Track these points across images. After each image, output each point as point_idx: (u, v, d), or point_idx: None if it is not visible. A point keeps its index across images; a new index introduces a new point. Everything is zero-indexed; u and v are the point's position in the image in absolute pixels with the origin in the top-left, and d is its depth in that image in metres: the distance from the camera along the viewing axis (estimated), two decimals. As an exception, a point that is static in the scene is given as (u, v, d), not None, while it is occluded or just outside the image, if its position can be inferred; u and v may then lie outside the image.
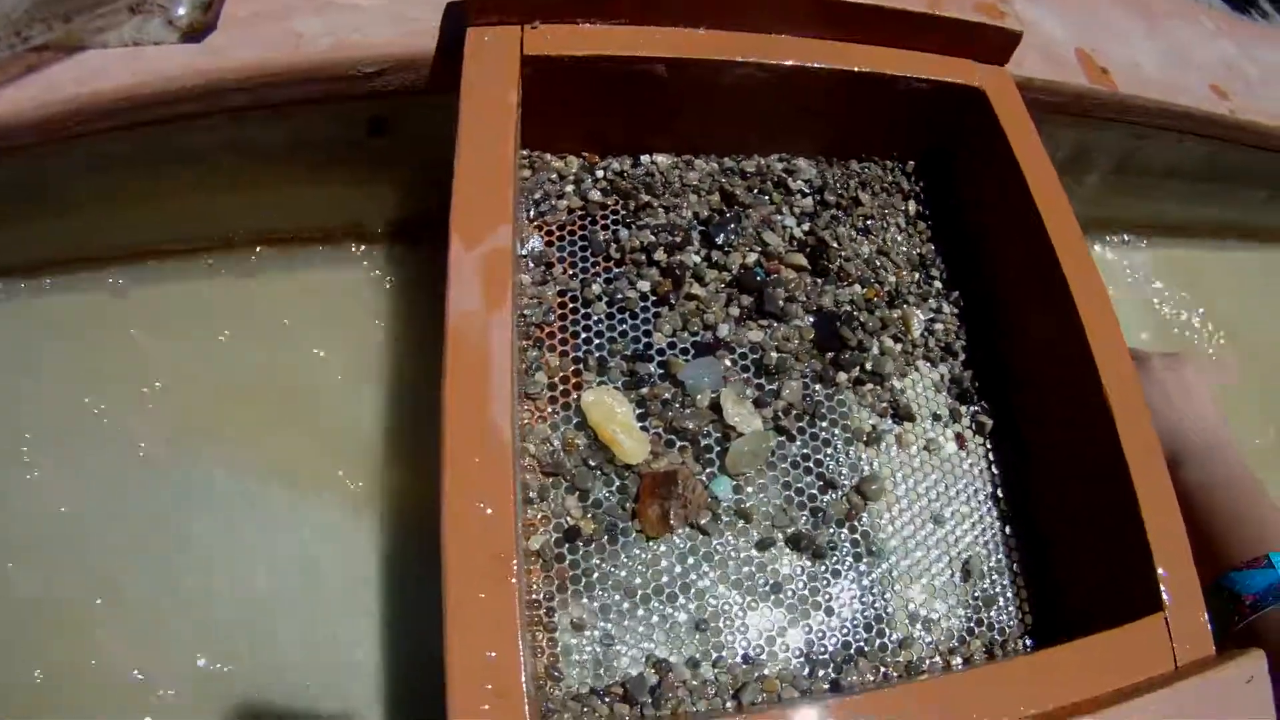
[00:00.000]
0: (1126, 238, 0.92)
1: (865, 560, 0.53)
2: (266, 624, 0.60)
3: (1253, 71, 0.80)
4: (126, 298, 0.68)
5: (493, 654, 0.40)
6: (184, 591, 0.60)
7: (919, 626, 0.53)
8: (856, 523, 0.54)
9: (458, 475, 0.42)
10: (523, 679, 0.39)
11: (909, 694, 0.44)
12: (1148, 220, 0.92)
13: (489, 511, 0.42)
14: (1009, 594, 0.56)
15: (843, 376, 0.56)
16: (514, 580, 0.41)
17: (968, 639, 0.54)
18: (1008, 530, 0.57)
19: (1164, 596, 0.48)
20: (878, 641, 0.52)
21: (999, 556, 0.56)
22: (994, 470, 0.58)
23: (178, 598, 0.60)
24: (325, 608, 0.62)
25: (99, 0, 0.56)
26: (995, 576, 0.56)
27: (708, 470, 0.52)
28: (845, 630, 0.52)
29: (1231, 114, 0.76)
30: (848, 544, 0.53)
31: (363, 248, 0.70)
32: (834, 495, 0.54)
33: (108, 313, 0.67)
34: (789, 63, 0.55)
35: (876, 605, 0.53)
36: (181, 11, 0.58)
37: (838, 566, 0.53)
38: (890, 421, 0.56)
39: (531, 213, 0.58)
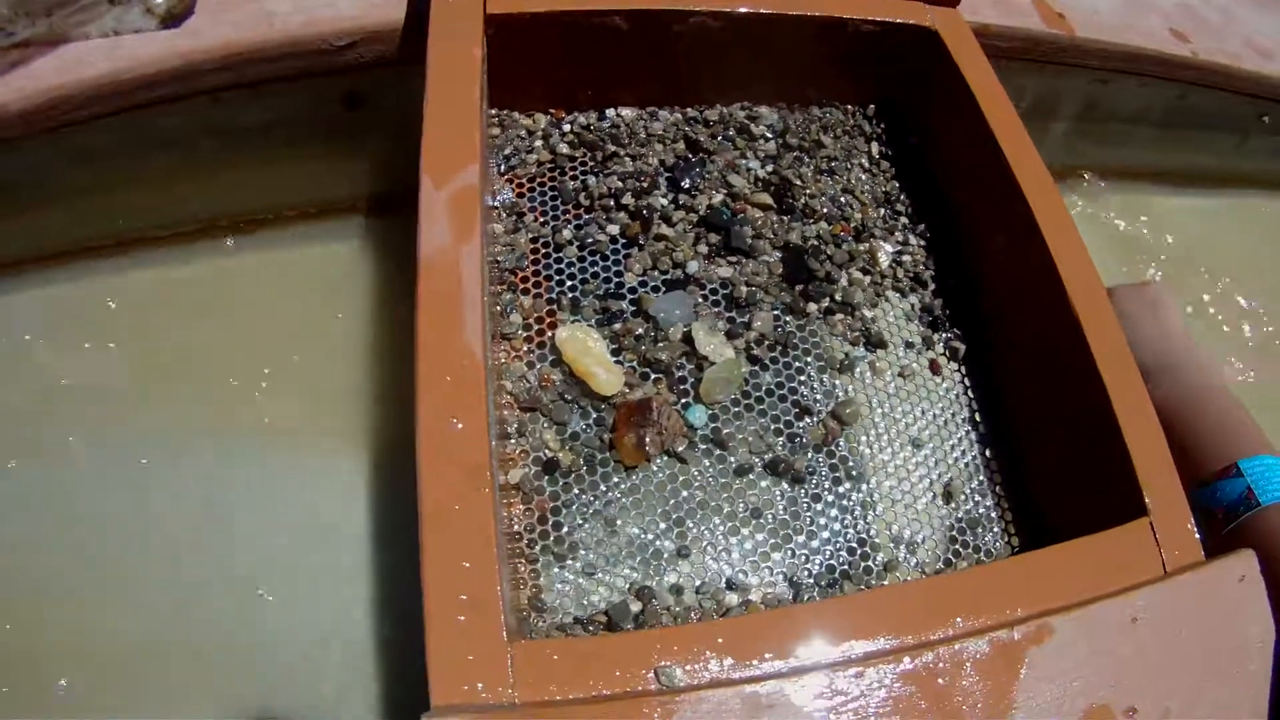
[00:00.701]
0: (1102, 183, 0.94)
1: (845, 484, 0.55)
2: (254, 597, 0.62)
3: (1213, 16, 0.83)
4: (117, 285, 0.70)
5: (468, 564, 0.41)
6: (173, 564, 0.62)
7: (903, 549, 0.54)
8: (834, 448, 0.55)
9: (431, 394, 0.44)
10: (498, 588, 0.41)
11: (893, 595, 0.45)
12: (1119, 167, 0.94)
13: (461, 427, 0.43)
14: (993, 514, 0.57)
15: (813, 307, 0.58)
16: (487, 491, 0.42)
17: (954, 560, 0.55)
18: (988, 452, 0.58)
19: (1147, 502, 0.49)
20: (862, 564, 0.53)
21: (981, 478, 0.57)
22: (971, 394, 0.59)
23: (165, 570, 0.61)
24: (315, 582, 0.63)
25: (80, -9, 0.59)
26: (978, 498, 0.57)
27: (683, 400, 0.54)
28: (829, 554, 0.53)
29: (1194, 55, 0.78)
30: (826, 468, 0.55)
31: (346, 221, 0.73)
32: (810, 421, 0.55)
33: (99, 301, 0.70)
34: (742, 10, 0.58)
35: (859, 528, 0.54)
36: (159, -2, 0.61)
37: (817, 491, 0.54)
38: (863, 349, 0.58)
39: (503, 167, 0.60)
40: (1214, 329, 0.92)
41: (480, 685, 0.39)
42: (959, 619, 0.44)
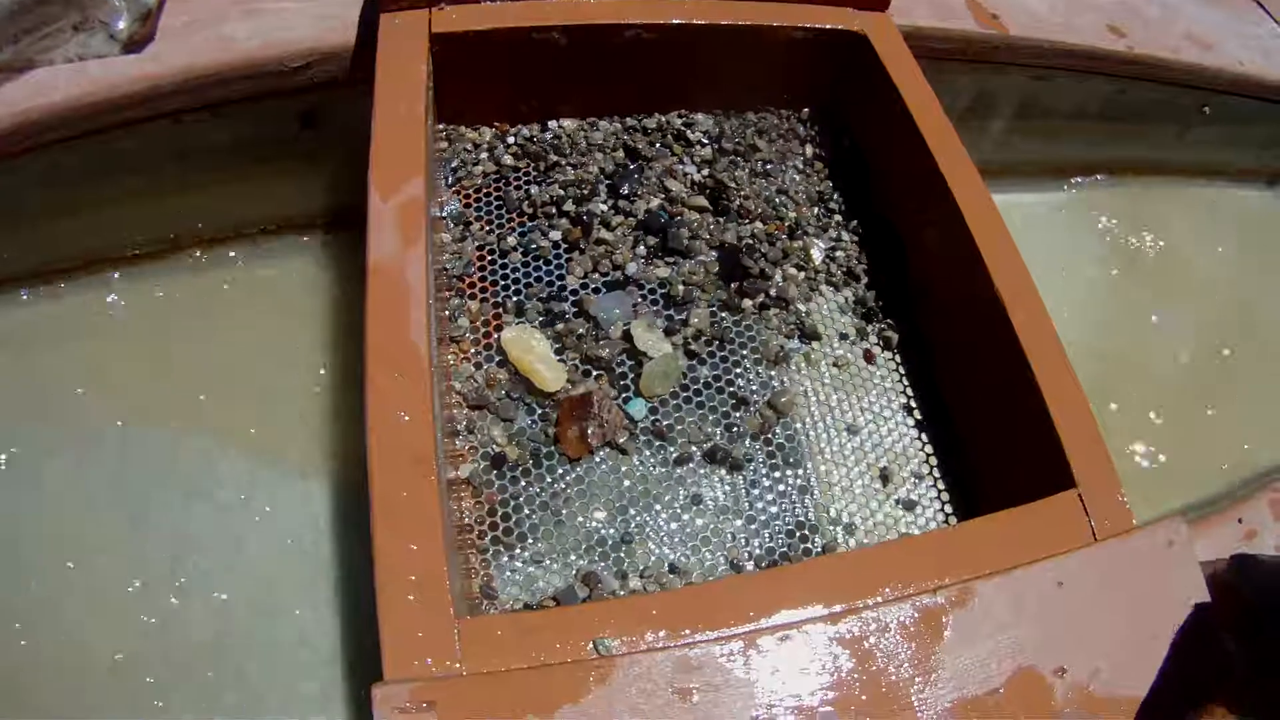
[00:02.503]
0: (1074, 180, 1.00)
1: (782, 470, 0.60)
2: (217, 601, 0.67)
3: (1153, 11, 0.89)
4: (83, 304, 0.76)
5: (415, 546, 0.47)
6: (147, 568, 0.67)
7: (841, 530, 0.60)
8: (771, 436, 0.61)
9: (379, 391, 0.50)
10: (445, 568, 0.46)
11: (822, 567, 0.50)
12: (1063, 162, 1.00)
13: (407, 419, 0.49)
14: (930, 495, 0.62)
15: (748, 303, 0.64)
16: (433, 479, 0.48)
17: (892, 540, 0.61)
18: (924, 436, 0.64)
19: (1075, 475, 0.53)
20: (801, 546, 0.59)
21: (917, 461, 0.63)
22: (905, 381, 0.65)
23: (142, 576, 0.67)
24: (283, 580, 0.69)
25: (44, 20, 0.66)
26: (914, 481, 0.63)
27: (623, 394, 0.60)
28: (768, 536, 0.59)
29: (1129, 50, 0.85)
30: (763, 455, 0.61)
31: (303, 238, 0.79)
32: (747, 411, 0.61)
33: (66, 320, 0.76)
34: (675, 21, 0.65)
35: (797, 512, 0.60)
36: (122, 25, 0.68)
37: (755, 477, 0.60)
38: (798, 342, 0.64)
39: (450, 179, 0.67)
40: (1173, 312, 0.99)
41: (429, 660, 0.44)
42: (886, 588, 0.49)
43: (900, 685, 0.45)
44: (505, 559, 0.56)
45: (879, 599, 0.48)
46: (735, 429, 0.61)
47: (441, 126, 0.69)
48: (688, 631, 0.47)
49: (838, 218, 0.70)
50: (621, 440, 0.58)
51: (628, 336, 0.61)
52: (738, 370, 0.62)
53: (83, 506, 0.69)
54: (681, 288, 0.63)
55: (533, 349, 0.59)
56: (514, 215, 0.65)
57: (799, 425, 0.62)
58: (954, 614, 0.47)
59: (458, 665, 0.45)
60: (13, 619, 0.65)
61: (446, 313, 0.61)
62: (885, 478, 0.62)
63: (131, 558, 0.68)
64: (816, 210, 0.70)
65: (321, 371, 0.76)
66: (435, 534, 0.47)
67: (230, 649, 0.65)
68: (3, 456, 0.70)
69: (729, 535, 0.58)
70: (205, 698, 0.64)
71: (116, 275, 0.77)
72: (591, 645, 0.46)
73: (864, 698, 0.45)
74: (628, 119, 0.71)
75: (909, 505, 0.62)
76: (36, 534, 0.68)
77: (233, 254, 0.79)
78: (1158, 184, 1.07)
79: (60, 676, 0.64)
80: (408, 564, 0.46)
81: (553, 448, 0.58)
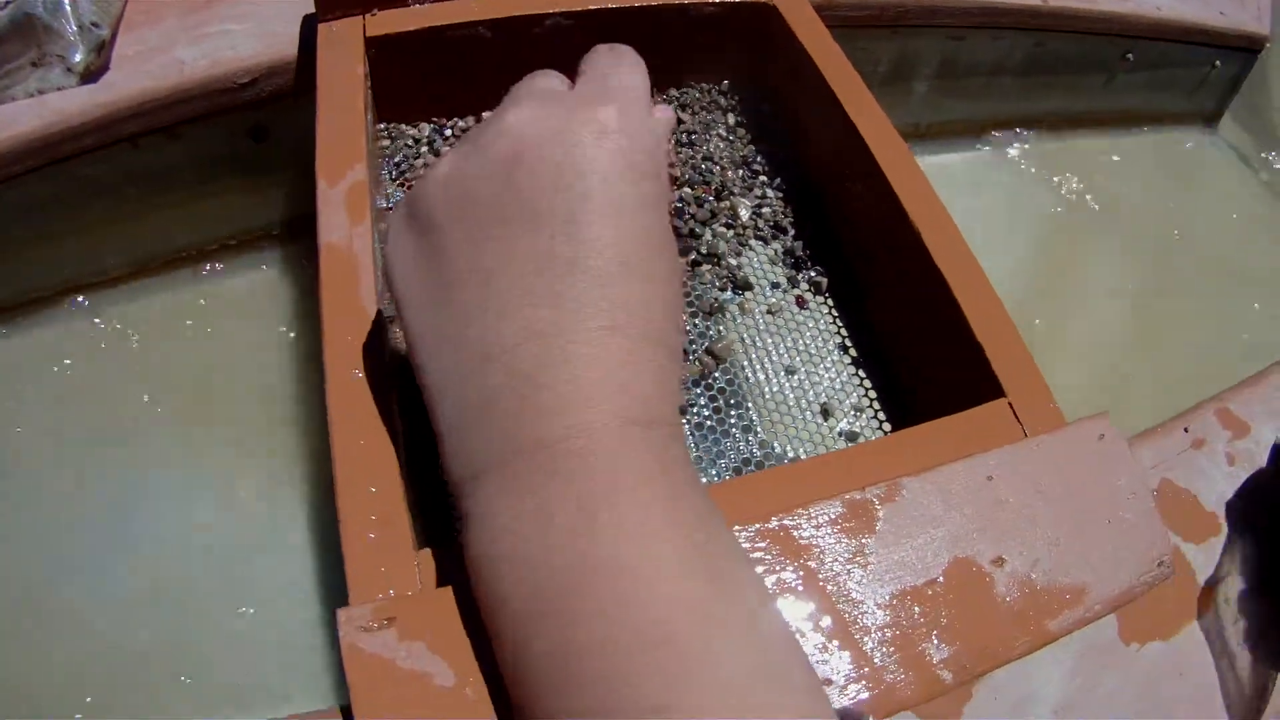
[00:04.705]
0: (1005, 134, 1.09)
1: (725, 412, 0.68)
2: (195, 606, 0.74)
3: (1063, -33, 0.99)
4: (60, 333, 0.84)
5: (374, 489, 0.54)
6: (124, 587, 0.74)
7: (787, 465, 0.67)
8: (711, 381, 0.68)
9: (335, 350, 0.57)
10: (404, 508, 0.53)
11: (749, 481, 0.57)
12: (991, 119, 1.09)
13: (361, 376, 0.57)
14: (871, 425, 0.70)
15: (681, 262, 0.72)
16: (389, 426, 0.55)
17: (833, 470, 0.68)
18: (861, 372, 0.71)
19: (1003, 386, 0.58)
20: (748, 481, 0.66)
21: (856, 395, 0.71)
22: (838, 322, 0.73)
23: (118, 593, 0.73)
24: (257, 586, 0.75)
25: (3, 59, 0.75)
26: (855, 414, 0.70)
27: (569, 351, 0.68)
28: (715, 475, 0.66)
29: (1043, 2, 0.94)
30: (705, 400, 0.68)
31: (261, 249, 0.88)
32: (687, 360, 0.69)
33: (44, 352, 0.84)
34: (591, 8, 0.74)
35: (742, 450, 0.67)
36: (78, 58, 0.77)
37: (699, 420, 0.67)
38: (731, 293, 0.72)
39: (394, 173, 0.75)
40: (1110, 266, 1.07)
41: (392, 591, 0.51)
42: (818, 493, 0.55)
43: (839, 578, 0.50)
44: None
45: (810, 501, 0.52)
46: (677, 376, 0.68)
47: (383, 126, 0.77)
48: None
49: (762, 178, 0.78)
50: (569, 393, 0.66)
51: (569, 298, 0.68)
52: (676, 322, 0.70)
53: (65, 523, 0.76)
54: (617, 251, 0.71)
55: (480, 316, 0.67)
56: (456, 198, 0.74)
57: (738, 370, 0.70)
58: (885, 508, 0.52)
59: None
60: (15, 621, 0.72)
61: (398, 291, 0.69)
62: (826, 412, 0.69)
63: (116, 571, 0.74)
64: (741, 172, 0.78)
65: (292, 375, 0.83)
66: (394, 476, 0.54)
67: (214, 649, 0.72)
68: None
69: (679, 475, 0.65)
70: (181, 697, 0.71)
71: (89, 299, 0.85)
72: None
73: (802, 589, 0.51)
74: (557, 103, 0.79)
75: (851, 436, 0.69)
76: (24, 551, 0.75)
77: (198, 270, 0.87)
78: (1090, 134, 1.15)
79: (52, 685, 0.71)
80: (369, 506, 0.53)
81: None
